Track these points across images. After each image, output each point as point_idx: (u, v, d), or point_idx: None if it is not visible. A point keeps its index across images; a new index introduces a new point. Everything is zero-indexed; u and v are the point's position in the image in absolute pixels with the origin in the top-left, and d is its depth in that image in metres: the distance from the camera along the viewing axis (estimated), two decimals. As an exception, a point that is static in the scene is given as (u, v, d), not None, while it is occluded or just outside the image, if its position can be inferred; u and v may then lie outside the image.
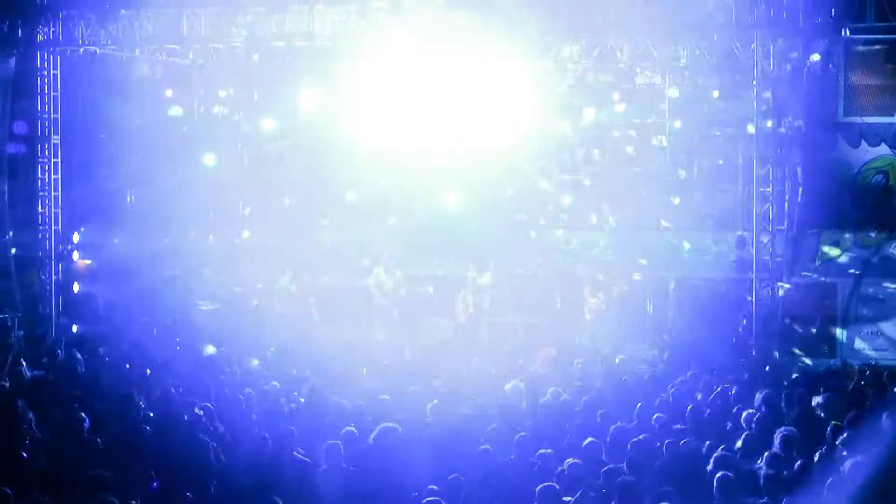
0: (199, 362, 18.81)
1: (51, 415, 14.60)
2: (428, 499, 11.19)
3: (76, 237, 24.92)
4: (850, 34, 21.78)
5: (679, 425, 14.02)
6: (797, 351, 21.21)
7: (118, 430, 13.81)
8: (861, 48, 22.18)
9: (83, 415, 13.79)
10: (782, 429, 13.18)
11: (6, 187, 24.38)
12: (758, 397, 15.53)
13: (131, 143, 25.00)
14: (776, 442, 12.85)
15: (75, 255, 24.93)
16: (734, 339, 21.35)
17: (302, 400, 15.98)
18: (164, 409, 14.89)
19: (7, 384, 16.67)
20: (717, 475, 11.54)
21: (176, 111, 26.97)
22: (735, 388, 16.52)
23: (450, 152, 25.43)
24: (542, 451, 12.73)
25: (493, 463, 12.40)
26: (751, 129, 21.94)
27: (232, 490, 12.00)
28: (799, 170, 22.10)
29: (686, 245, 24.72)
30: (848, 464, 11.86)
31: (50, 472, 12.42)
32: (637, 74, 25.31)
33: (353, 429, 13.39)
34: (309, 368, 18.56)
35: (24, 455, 12.79)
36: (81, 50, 23.98)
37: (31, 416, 13.91)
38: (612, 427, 13.76)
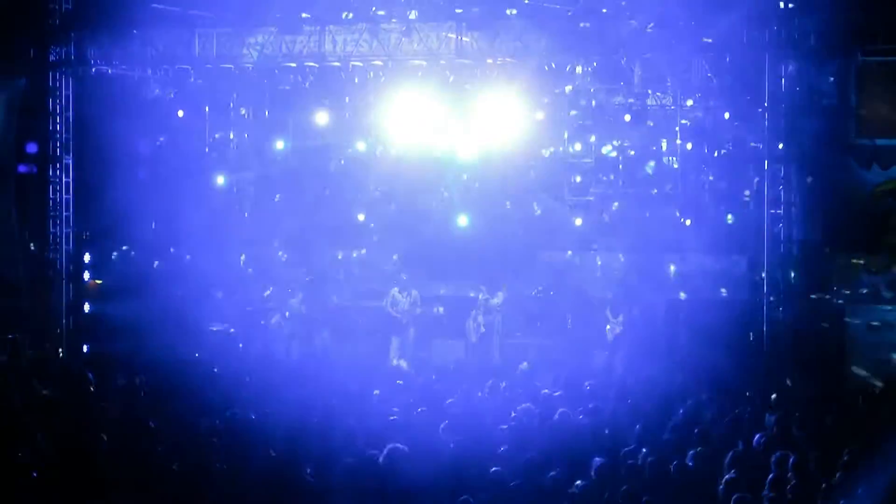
0: (209, 380, 18.78)
1: (61, 434, 14.58)
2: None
3: (87, 257, 24.92)
4: (862, 56, 21.78)
5: (694, 448, 13.97)
6: (808, 373, 21.09)
7: (128, 449, 13.80)
8: (873, 70, 22.15)
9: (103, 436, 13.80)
10: (792, 452, 13.14)
11: (18, 207, 24.43)
12: (769, 419, 15.48)
13: (142, 162, 25.01)
14: (787, 465, 12.80)
15: (86, 275, 24.93)
16: (745, 361, 21.26)
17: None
18: (173, 428, 14.86)
19: (19, 403, 16.67)
20: (734, 497, 11.47)
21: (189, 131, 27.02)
22: (746, 409, 16.45)
23: (461, 173, 25.48)
24: (553, 472, 12.68)
25: (504, 485, 12.35)
26: (760, 150, 21.95)
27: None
28: (810, 192, 22.05)
29: (698, 266, 24.71)
30: (859, 486, 11.83)
31: (58, 489, 12.41)
32: (649, 96, 25.31)
33: (363, 449, 13.35)
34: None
35: (34, 473, 12.79)
36: (93, 70, 24.03)
37: (40, 435, 13.91)
38: (623, 449, 13.71)
